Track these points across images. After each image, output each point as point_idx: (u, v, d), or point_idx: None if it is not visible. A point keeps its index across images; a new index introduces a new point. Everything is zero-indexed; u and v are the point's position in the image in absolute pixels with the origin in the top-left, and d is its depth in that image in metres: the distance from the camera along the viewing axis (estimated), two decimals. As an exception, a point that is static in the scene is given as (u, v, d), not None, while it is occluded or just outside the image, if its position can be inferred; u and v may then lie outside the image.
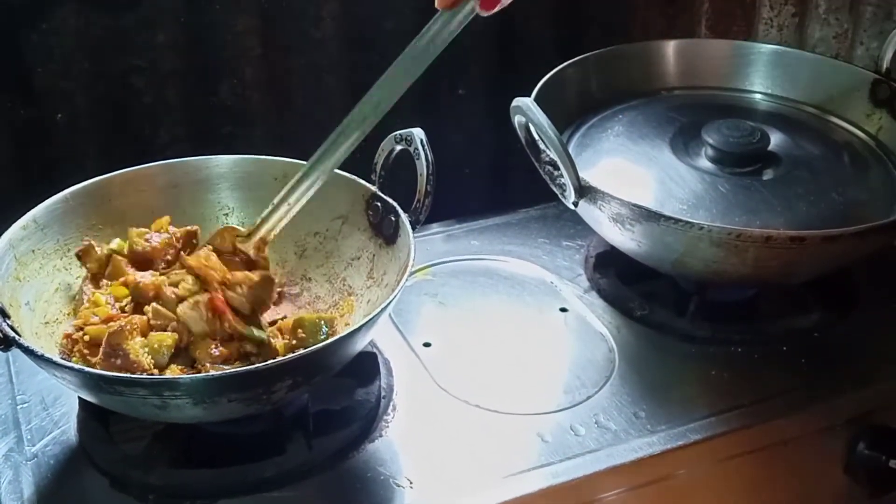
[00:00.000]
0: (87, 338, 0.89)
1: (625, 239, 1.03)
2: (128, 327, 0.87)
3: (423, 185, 0.94)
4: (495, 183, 1.41)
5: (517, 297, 1.13)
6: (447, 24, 0.87)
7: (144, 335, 0.88)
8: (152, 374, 0.85)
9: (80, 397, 0.92)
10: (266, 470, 0.87)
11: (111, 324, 0.88)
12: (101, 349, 0.87)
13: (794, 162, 1.11)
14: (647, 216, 0.98)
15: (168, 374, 0.86)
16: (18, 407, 0.95)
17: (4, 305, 0.86)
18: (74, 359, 0.89)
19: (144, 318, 0.90)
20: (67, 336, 0.91)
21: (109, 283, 0.95)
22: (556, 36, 1.38)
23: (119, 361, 0.86)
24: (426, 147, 0.94)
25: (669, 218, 0.97)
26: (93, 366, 0.86)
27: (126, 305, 0.93)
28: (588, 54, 1.23)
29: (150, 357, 0.86)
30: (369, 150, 1.00)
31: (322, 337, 0.90)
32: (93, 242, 0.97)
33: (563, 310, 1.10)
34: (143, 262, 0.96)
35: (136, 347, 0.87)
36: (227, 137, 1.25)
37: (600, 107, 1.23)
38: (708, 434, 0.94)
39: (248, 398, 0.81)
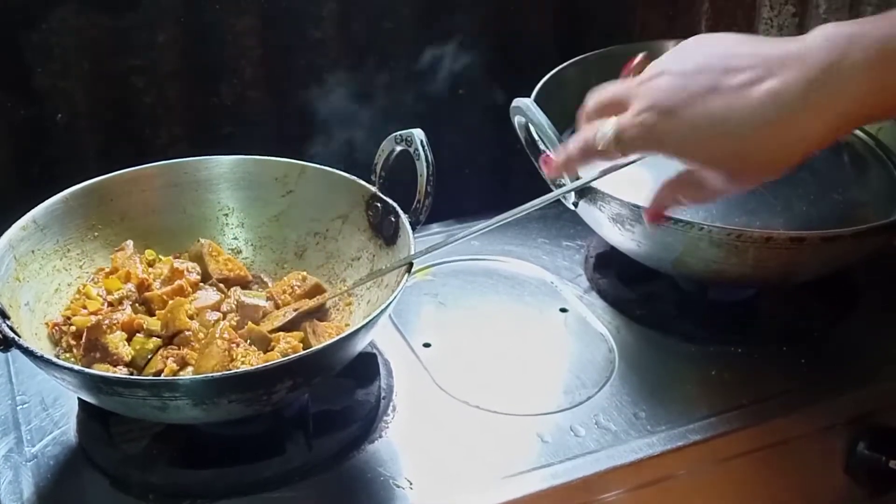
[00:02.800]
0: (73, 329, 0.91)
1: (625, 239, 1.03)
2: (106, 321, 0.89)
3: (423, 185, 0.95)
4: (495, 183, 1.41)
5: (517, 297, 1.13)
6: None
7: (126, 330, 0.90)
8: (131, 368, 0.88)
9: (79, 398, 0.92)
10: (266, 470, 0.87)
11: (91, 318, 0.90)
12: (82, 343, 0.89)
13: (794, 162, 1.11)
14: (647, 216, 0.98)
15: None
16: (18, 407, 0.95)
17: (4, 306, 0.86)
18: (63, 352, 0.90)
19: (129, 315, 0.92)
20: (55, 325, 0.91)
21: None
22: (556, 36, 1.37)
23: (98, 355, 0.88)
24: (426, 148, 0.94)
25: (669, 218, 0.97)
26: (77, 357, 0.89)
27: (116, 299, 0.94)
28: (588, 54, 1.23)
29: (129, 350, 0.88)
30: (369, 150, 1.00)
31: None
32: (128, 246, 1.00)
33: (564, 310, 1.10)
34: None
35: (116, 341, 0.89)
36: (227, 137, 1.25)
37: (600, 107, 1.23)
38: (708, 434, 0.94)
39: (248, 399, 0.81)
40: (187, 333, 0.90)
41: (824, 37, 0.70)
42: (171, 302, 0.93)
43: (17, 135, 1.15)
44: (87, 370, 0.81)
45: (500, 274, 1.16)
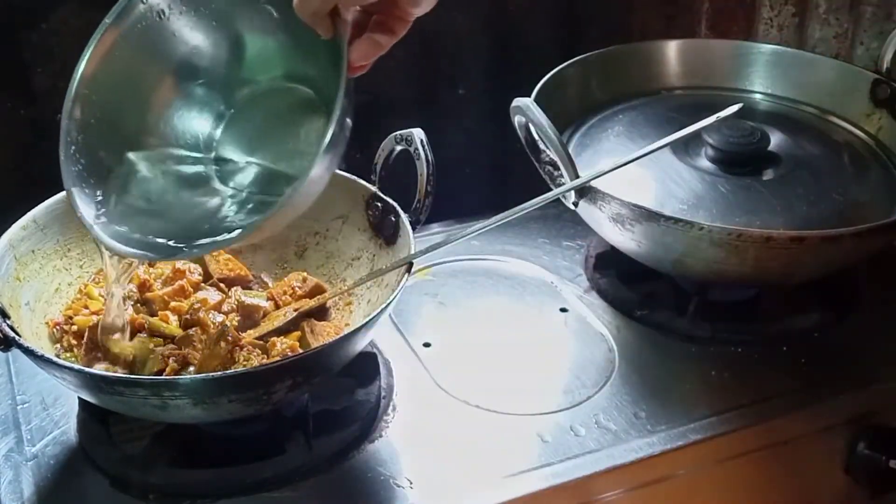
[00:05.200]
0: (75, 328, 0.91)
1: (625, 239, 1.03)
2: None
3: (424, 185, 0.95)
4: (495, 183, 1.41)
5: (517, 297, 1.13)
6: None
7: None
8: (132, 368, 0.88)
9: (79, 397, 0.92)
10: (266, 470, 0.87)
11: (92, 318, 0.91)
12: (84, 343, 0.89)
13: (794, 162, 1.11)
14: (647, 216, 0.98)
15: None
16: (18, 407, 0.95)
17: (4, 306, 0.86)
18: (64, 352, 0.91)
19: (131, 315, 0.92)
20: (56, 325, 0.92)
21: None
22: (556, 36, 1.38)
23: (100, 354, 0.88)
24: (426, 147, 0.94)
25: (669, 218, 0.97)
26: (78, 357, 0.89)
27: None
28: (588, 54, 1.23)
29: (131, 350, 0.89)
30: (369, 150, 1.00)
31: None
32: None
33: (564, 310, 1.10)
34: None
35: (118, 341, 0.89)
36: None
37: (600, 107, 1.23)
38: (708, 434, 0.94)
39: (248, 398, 0.81)
40: (190, 333, 0.90)
41: None
42: (193, 297, 0.94)
43: (17, 135, 1.16)
44: (87, 370, 0.81)
45: (500, 274, 1.16)
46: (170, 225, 0.83)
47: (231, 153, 0.88)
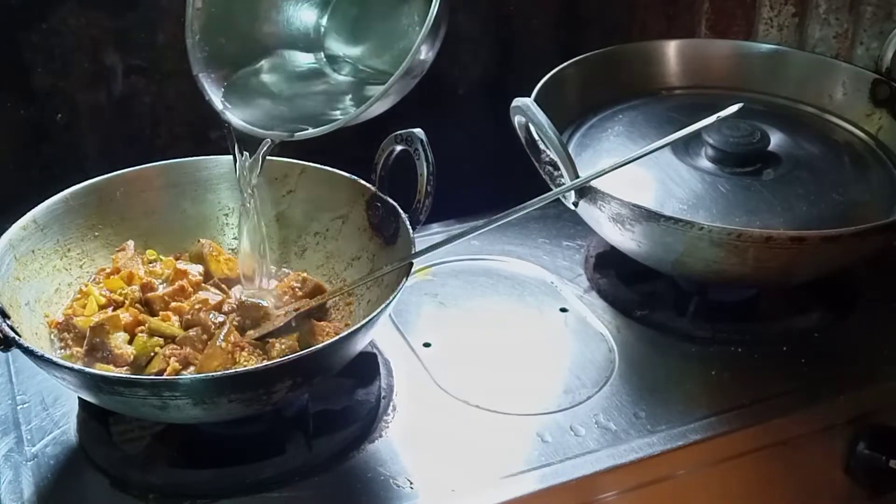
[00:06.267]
0: (75, 328, 0.92)
1: (625, 239, 1.03)
2: (109, 323, 0.90)
3: (424, 185, 0.95)
4: (495, 183, 1.41)
5: (517, 297, 1.13)
6: None
7: (128, 330, 0.91)
8: (133, 368, 0.88)
9: (79, 397, 0.92)
10: (266, 470, 0.87)
11: (93, 318, 0.91)
12: (85, 344, 0.89)
13: (794, 162, 1.11)
14: (647, 216, 0.98)
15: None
16: (18, 407, 0.95)
17: (4, 306, 0.86)
18: (63, 351, 0.91)
19: (133, 314, 0.92)
20: (56, 325, 0.92)
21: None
22: (556, 36, 1.38)
23: (100, 354, 0.88)
24: (426, 147, 0.94)
25: (669, 218, 0.97)
26: (78, 357, 0.89)
27: (118, 299, 0.95)
28: (588, 54, 1.23)
29: (132, 350, 0.89)
30: (369, 150, 1.00)
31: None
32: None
33: (564, 310, 1.10)
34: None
35: (118, 341, 0.89)
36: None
37: (600, 107, 1.23)
38: (708, 434, 0.94)
39: (248, 398, 0.81)
40: (191, 333, 0.90)
41: None
42: (194, 297, 0.94)
43: (17, 135, 1.16)
44: (87, 370, 0.81)
45: (500, 274, 1.16)
46: (289, 109, 0.91)
47: (338, 42, 0.96)
